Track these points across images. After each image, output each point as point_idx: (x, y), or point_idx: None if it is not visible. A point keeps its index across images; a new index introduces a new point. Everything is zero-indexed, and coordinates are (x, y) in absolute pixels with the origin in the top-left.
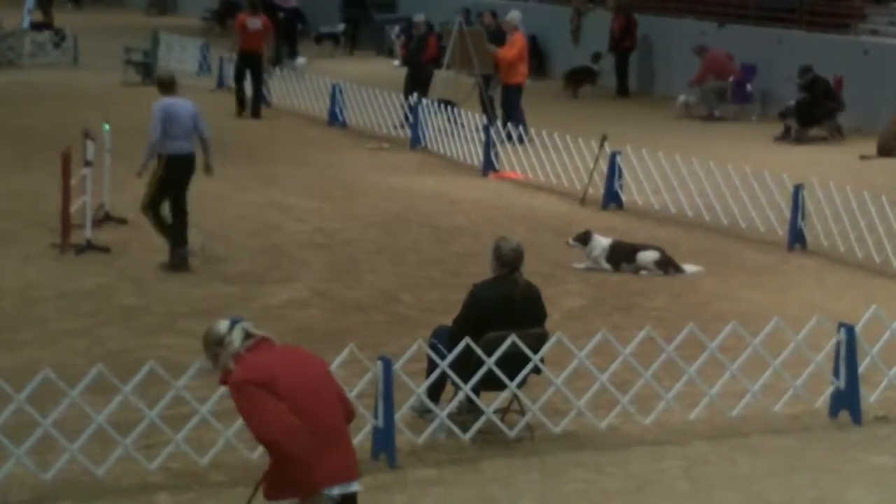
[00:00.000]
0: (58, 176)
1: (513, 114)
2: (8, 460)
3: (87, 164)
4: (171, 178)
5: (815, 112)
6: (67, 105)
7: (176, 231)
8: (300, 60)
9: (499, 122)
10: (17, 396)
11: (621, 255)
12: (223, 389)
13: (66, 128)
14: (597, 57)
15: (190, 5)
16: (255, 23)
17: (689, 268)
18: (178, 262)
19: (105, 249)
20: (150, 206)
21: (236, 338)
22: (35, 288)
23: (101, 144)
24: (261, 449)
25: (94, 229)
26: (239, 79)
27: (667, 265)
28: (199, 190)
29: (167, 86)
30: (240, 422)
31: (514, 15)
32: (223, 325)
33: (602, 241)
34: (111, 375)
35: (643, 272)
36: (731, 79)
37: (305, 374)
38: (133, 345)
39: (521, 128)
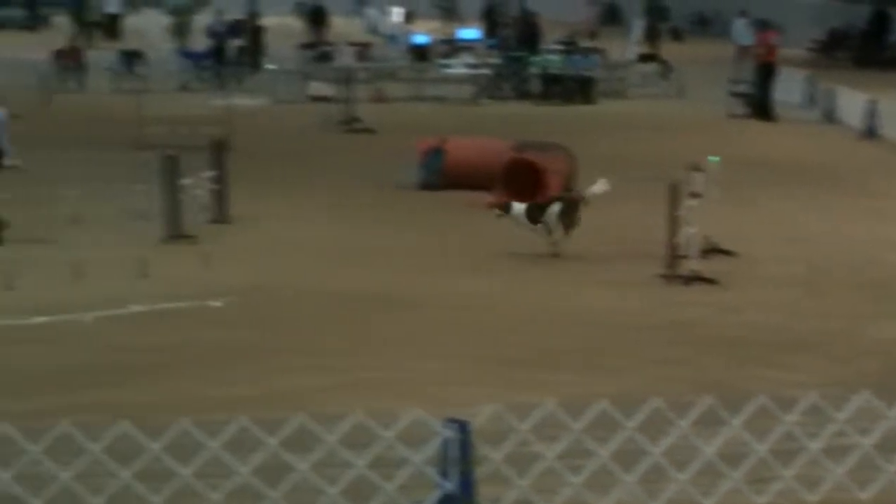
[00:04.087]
0: (658, 205)
1: None
2: (615, 486)
3: (695, 195)
4: None
5: None
6: (667, 136)
7: None
8: None
9: None
10: (625, 424)
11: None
12: (833, 427)
13: (665, 159)
14: None
15: (801, 35)
16: None
17: (596, 188)
18: None
19: (712, 281)
20: None
21: None
22: (635, 315)
23: (709, 176)
24: (874, 489)
25: (700, 260)
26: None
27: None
28: (803, 222)
29: None
30: (851, 461)
31: None
32: None
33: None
34: (720, 408)
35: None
36: None
37: None
38: (733, 377)
39: None
